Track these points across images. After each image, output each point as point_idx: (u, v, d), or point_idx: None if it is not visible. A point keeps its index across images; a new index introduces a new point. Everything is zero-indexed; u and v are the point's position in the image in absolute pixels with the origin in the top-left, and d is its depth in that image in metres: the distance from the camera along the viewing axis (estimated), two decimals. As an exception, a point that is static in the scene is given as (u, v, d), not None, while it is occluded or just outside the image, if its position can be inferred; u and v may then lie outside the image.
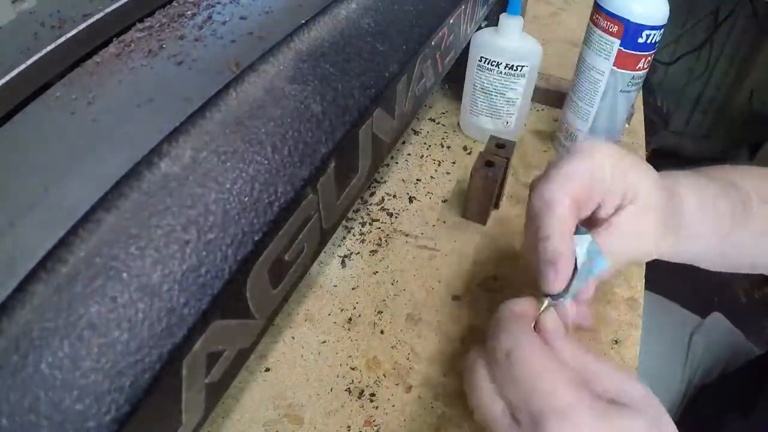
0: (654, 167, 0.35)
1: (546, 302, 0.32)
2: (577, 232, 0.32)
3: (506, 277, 0.53)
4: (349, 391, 0.45)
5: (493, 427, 0.27)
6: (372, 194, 0.61)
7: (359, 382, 0.45)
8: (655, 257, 0.35)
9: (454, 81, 0.74)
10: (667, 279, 0.70)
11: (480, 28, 0.61)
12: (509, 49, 0.59)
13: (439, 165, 0.65)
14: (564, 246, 0.30)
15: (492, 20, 0.62)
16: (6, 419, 0.17)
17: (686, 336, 0.68)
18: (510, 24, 0.58)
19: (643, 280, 0.53)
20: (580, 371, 0.27)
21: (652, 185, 0.33)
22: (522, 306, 0.32)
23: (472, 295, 0.52)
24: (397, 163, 0.65)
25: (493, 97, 0.63)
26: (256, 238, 0.23)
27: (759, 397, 0.25)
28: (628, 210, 0.32)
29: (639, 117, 0.72)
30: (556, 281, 0.30)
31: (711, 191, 0.36)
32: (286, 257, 0.27)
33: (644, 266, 0.54)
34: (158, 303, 0.20)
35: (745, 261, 0.40)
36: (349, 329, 0.49)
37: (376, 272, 0.54)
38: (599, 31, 0.55)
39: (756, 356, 0.60)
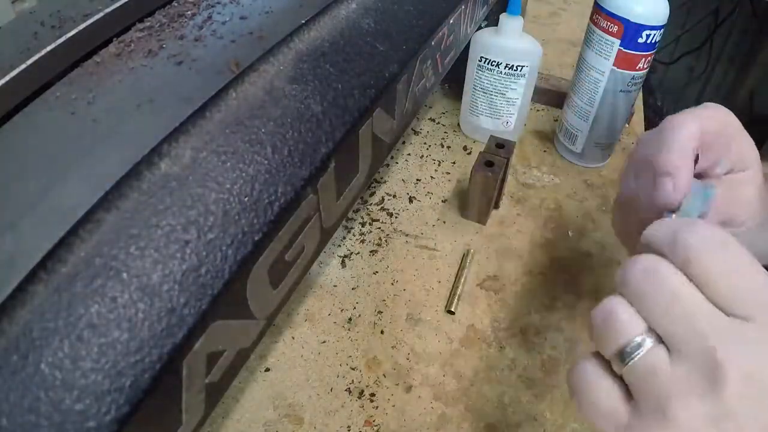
0: None
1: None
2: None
3: (506, 277, 0.53)
4: (349, 391, 0.45)
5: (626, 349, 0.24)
6: (372, 194, 0.62)
7: (359, 382, 0.45)
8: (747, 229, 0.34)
9: (454, 81, 0.74)
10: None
11: (480, 28, 0.61)
12: (509, 49, 0.59)
13: (439, 165, 0.65)
14: (683, 160, 0.29)
15: (492, 20, 0.62)
16: (6, 419, 0.17)
17: None
18: (510, 24, 0.58)
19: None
20: None
21: (760, 163, 0.33)
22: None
23: (472, 294, 0.52)
24: (397, 163, 0.65)
25: (493, 97, 0.63)
26: (256, 238, 0.23)
27: None
28: (741, 174, 0.33)
29: (639, 117, 0.72)
30: (674, 192, 0.29)
31: None
32: (286, 257, 0.27)
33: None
34: (158, 303, 0.20)
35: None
36: (349, 329, 0.49)
37: (376, 272, 0.54)
38: (599, 31, 0.55)
39: None
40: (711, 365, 0.22)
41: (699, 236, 0.23)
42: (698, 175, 0.33)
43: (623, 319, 0.24)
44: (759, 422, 0.22)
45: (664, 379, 0.23)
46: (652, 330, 0.24)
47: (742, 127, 0.33)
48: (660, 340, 0.23)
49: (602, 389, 0.25)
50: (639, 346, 0.23)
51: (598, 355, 0.25)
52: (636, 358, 0.23)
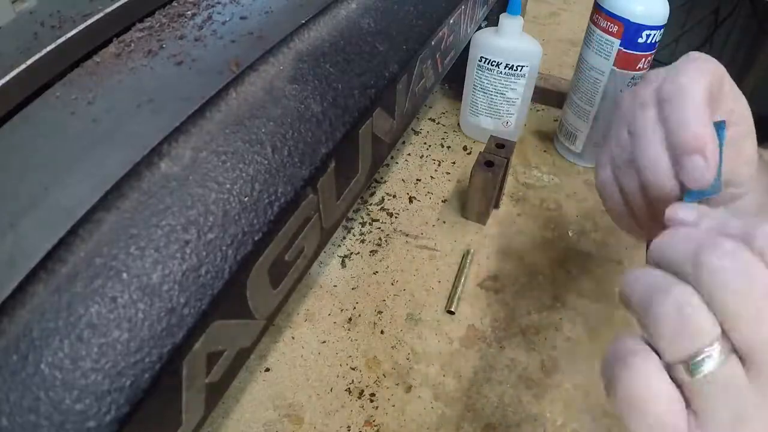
0: None
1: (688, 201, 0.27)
2: None
3: (506, 277, 0.53)
4: (349, 391, 0.45)
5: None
6: (372, 194, 0.62)
7: (359, 382, 0.45)
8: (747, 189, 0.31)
9: (454, 81, 0.74)
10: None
11: (480, 28, 0.61)
12: (509, 49, 0.59)
13: (439, 165, 0.65)
14: (708, 129, 0.26)
15: (492, 20, 0.62)
16: (6, 419, 0.17)
17: None
18: (510, 24, 0.58)
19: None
20: None
21: (752, 119, 0.30)
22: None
23: (472, 294, 0.52)
24: (397, 163, 0.65)
25: (493, 97, 0.63)
26: (256, 238, 0.23)
27: None
28: (739, 129, 0.30)
29: (639, 117, 0.72)
30: (707, 170, 0.25)
31: None
32: (286, 257, 0.27)
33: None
34: (158, 303, 0.20)
35: None
36: (349, 329, 0.49)
37: (376, 272, 0.54)
38: (599, 31, 0.55)
39: None
40: None
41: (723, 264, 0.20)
42: None
43: (700, 319, 0.20)
44: None
45: (743, 396, 0.19)
46: (726, 335, 0.20)
47: (732, 81, 0.30)
48: (733, 348, 0.20)
49: (665, 401, 0.20)
50: (716, 354, 0.19)
51: (653, 353, 0.21)
52: (711, 369, 0.19)
